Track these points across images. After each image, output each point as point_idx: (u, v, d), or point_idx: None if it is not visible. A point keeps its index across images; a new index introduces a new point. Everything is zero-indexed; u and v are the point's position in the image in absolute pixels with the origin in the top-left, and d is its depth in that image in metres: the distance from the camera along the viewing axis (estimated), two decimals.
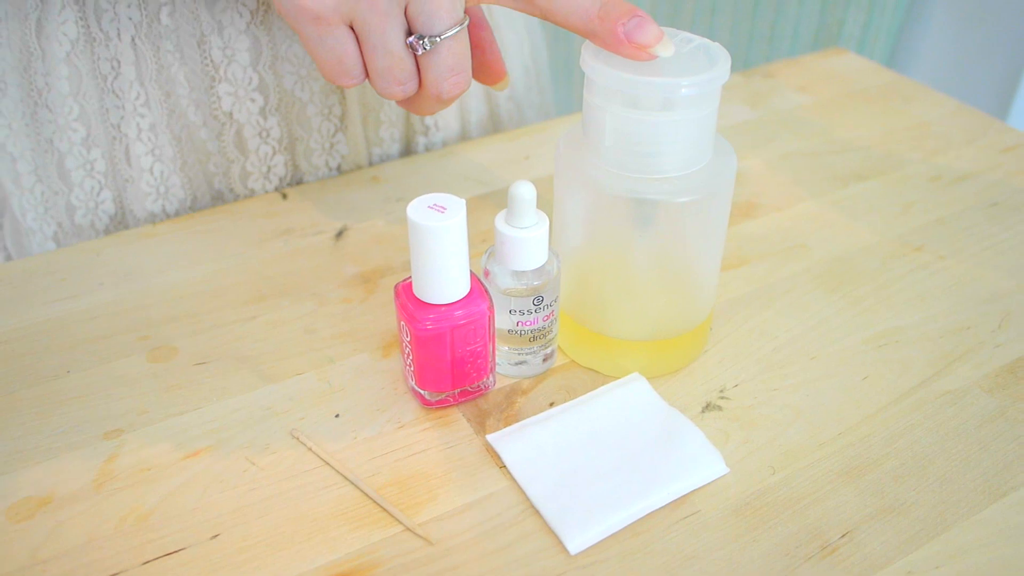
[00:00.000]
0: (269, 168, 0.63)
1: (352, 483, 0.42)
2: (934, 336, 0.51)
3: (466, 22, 0.43)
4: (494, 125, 0.74)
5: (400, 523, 0.40)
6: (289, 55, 0.59)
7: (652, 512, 0.41)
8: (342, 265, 0.56)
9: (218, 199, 0.64)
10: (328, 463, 0.43)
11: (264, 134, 0.62)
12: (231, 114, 0.60)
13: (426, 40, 0.42)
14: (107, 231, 0.62)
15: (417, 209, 0.40)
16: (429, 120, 0.69)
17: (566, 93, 1.49)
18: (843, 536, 0.40)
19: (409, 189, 0.64)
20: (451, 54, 0.43)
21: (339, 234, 0.59)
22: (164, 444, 0.44)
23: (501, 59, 0.50)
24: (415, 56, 0.44)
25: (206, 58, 0.57)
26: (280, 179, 0.64)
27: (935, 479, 0.43)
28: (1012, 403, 0.47)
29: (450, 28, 0.43)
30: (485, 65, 0.50)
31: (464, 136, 0.72)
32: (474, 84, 0.70)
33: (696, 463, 0.42)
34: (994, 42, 1.53)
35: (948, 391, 0.48)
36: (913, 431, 0.45)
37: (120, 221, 0.62)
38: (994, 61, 1.54)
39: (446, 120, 0.70)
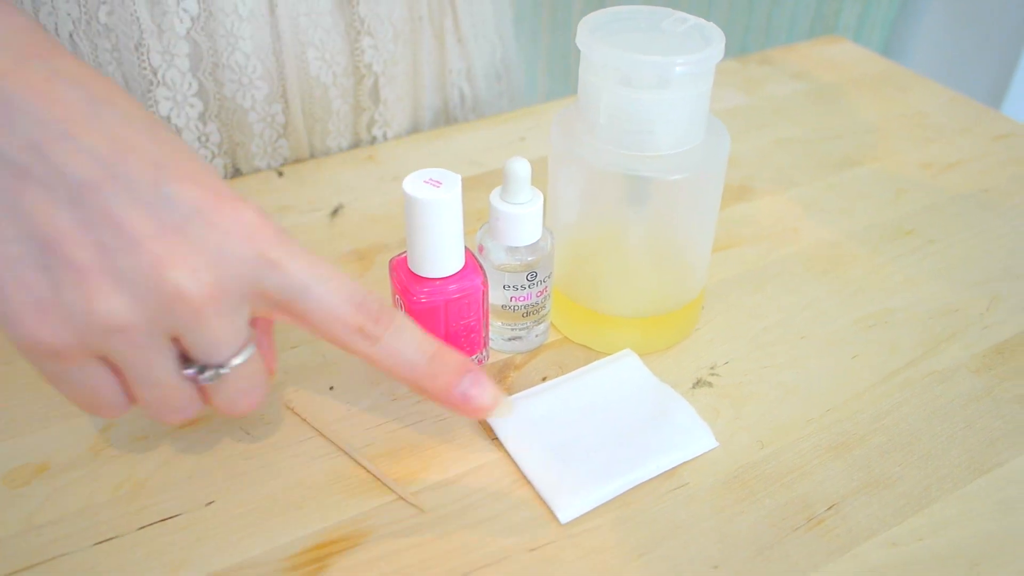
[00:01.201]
0: None
1: (346, 453, 0.42)
2: (923, 318, 0.52)
3: (253, 340, 0.36)
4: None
5: (393, 492, 0.41)
6: (231, 63, 0.58)
7: (642, 484, 0.41)
8: (338, 243, 0.57)
9: None
10: (322, 433, 0.43)
11: (203, 139, 0.61)
12: (169, 118, 0.59)
13: (209, 372, 0.34)
14: None
15: (413, 183, 0.41)
16: (377, 131, 0.68)
17: (563, 81, 1.49)
18: (829, 508, 0.41)
19: (405, 169, 0.64)
20: (242, 378, 0.35)
21: (335, 212, 0.60)
22: None
23: (274, 355, 0.41)
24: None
25: (144, 61, 0.56)
26: None
27: (921, 455, 0.43)
28: (999, 383, 0.47)
29: (238, 354, 0.35)
30: None
31: None
32: (430, 85, 0.70)
33: (686, 436, 0.43)
34: (989, 34, 1.54)
35: (936, 371, 0.48)
36: (900, 409, 0.46)
37: None
38: (989, 53, 1.55)
39: (396, 132, 0.69)
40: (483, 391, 0.37)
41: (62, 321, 0.31)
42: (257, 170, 0.65)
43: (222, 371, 0.35)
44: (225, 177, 0.64)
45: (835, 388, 0.47)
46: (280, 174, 0.64)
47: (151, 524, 0.39)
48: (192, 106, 0.59)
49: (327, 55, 0.62)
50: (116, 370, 0.34)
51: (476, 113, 0.75)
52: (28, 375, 0.46)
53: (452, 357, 0.37)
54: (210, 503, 0.40)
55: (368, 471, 0.42)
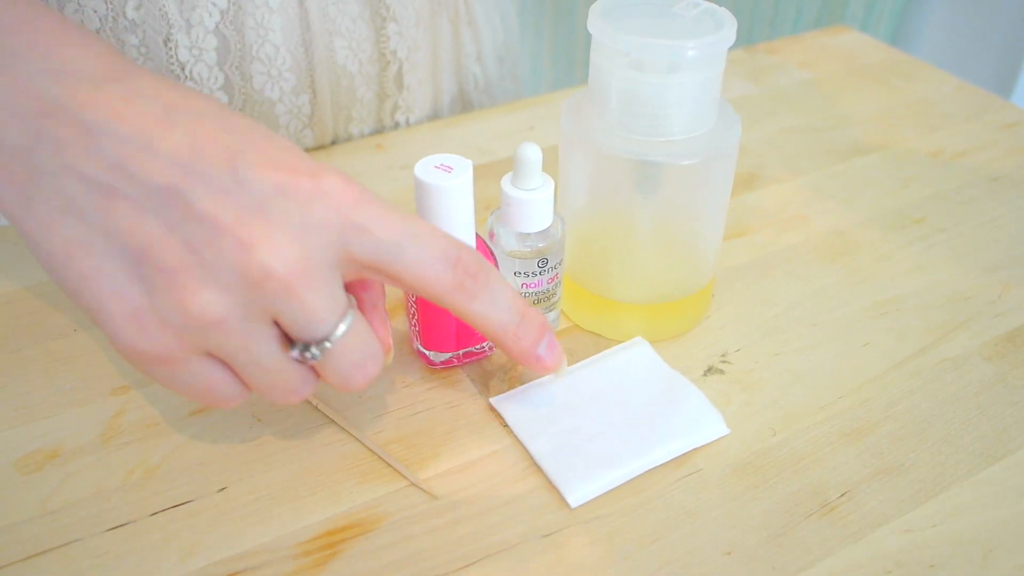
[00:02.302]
0: None
1: (357, 439, 0.42)
2: (934, 305, 0.52)
3: (353, 307, 0.35)
4: None
5: (405, 478, 0.41)
6: (260, 55, 0.58)
7: (653, 470, 0.41)
8: None
9: None
10: (333, 420, 0.43)
11: None
12: None
13: (314, 349, 0.34)
14: None
15: (424, 168, 0.41)
16: (400, 117, 0.69)
17: (568, 71, 1.49)
18: (842, 495, 0.40)
19: (413, 157, 0.64)
20: (351, 350, 0.35)
21: None
22: (171, 401, 0.44)
23: (388, 329, 0.39)
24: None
25: (172, 56, 0.56)
26: None
27: (934, 442, 0.43)
28: (1011, 370, 0.47)
29: (338, 326, 0.34)
30: None
31: None
32: (447, 69, 0.70)
33: (697, 423, 0.43)
34: (997, 23, 1.53)
35: (947, 358, 0.48)
36: (912, 396, 0.46)
37: None
38: (997, 41, 1.54)
39: (418, 117, 0.70)
40: (554, 354, 0.39)
41: (158, 327, 0.32)
42: None
43: (327, 345, 0.34)
44: None
45: (846, 375, 0.47)
46: None
47: (163, 510, 0.39)
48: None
49: (354, 43, 0.62)
50: (225, 363, 0.34)
51: (487, 95, 0.75)
52: (40, 361, 0.46)
53: (536, 319, 0.38)
54: (222, 489, 0.40)
55: (380, 457, 0.42)
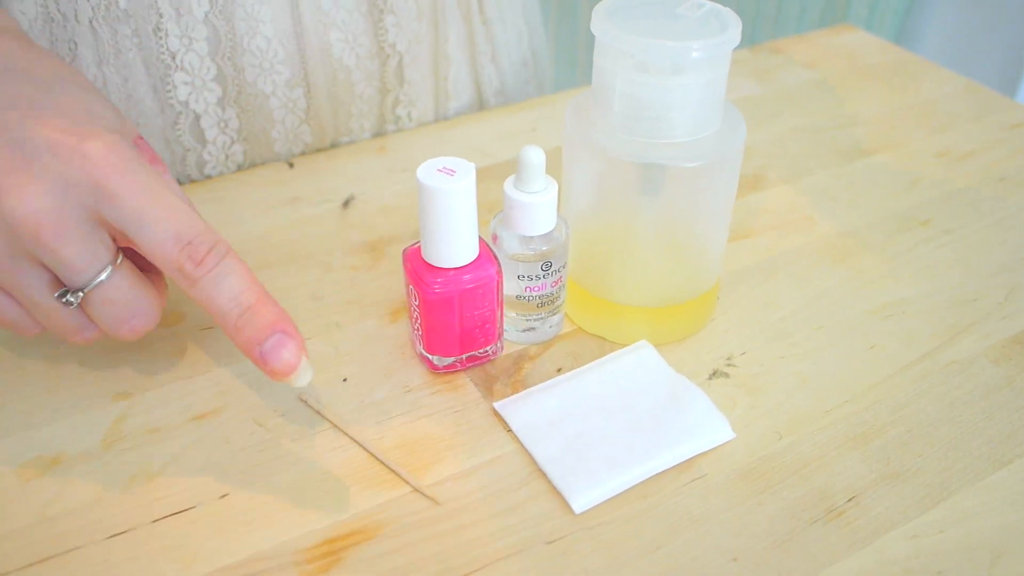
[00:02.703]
0: (227, 156, 0.62)
1: (360, 445, 0.42)
2: (940, 308, 0.51)
3: (117, 261, 0.38)
4: None
5: (407, 484, 0.40)
6: (251, 47, 0.58)
7: (658, 476, 0.41)
8: (349, 233, 0.56)
9: None
10: (336, 425, 0.43)
11: (223, 124, 0.60)
12: (187, 103, 0.58)
13: (70, 295, 0.38)
14: None
15: (427, 172, 0.40)
16: (402, 111, 0.68)
17: (570, 71, 1.48)
18: (849, 500, 0.40)
19: (415, 160, 0.64)
20: (109, 303, 0.38)
21: (346, 203, 0.59)
22: (172, 406, 0.44)
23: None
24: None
25: (162, 45, 0.56)
26: (239, 165, 0.63)
27: (941, 446, 0.43)
28: (1018, 373, 0.47)
29: (94, 277, 0.37)
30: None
31: None
32: (459, 66, 0.69)
33: (702, 428, 0.43)
34: (1002, 21, 1.53)
35: (954, 361, 0.48)
36: (919, 399, 0.45)
37: None
38: (1002, 40, 1.53)
39: (420, 112, 0.69)
40: (279, 356, 0.37)
41: None
42: (278, 156, 0.64)
43: (80, 293, 0.38)
44: (244, 164, 0.63)
45: (852, 379, 0.47)
46: (291, 165, 0.63)
47: (165, 517, 0.39)
48: (211, 91, 0.59)
49: (350, 36, 0.61)
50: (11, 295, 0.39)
51: (504, 97, 0.74)
52: (41, 367, 0.46)
53: (265, 314, 0.37)
54: (224, 495, 0.40)
55: (382, 463, 0.41)
